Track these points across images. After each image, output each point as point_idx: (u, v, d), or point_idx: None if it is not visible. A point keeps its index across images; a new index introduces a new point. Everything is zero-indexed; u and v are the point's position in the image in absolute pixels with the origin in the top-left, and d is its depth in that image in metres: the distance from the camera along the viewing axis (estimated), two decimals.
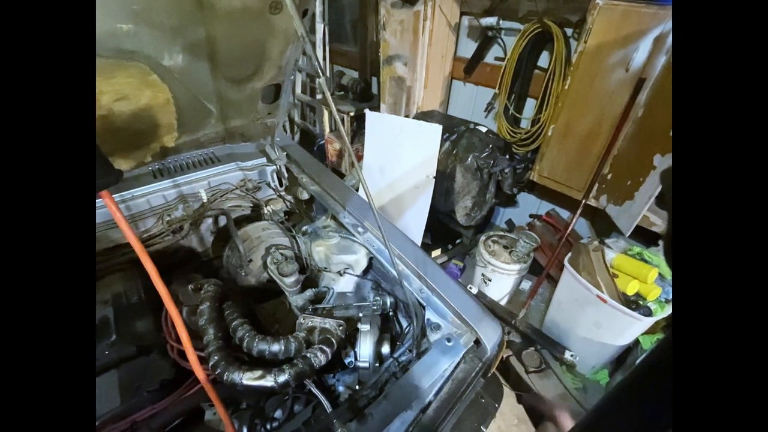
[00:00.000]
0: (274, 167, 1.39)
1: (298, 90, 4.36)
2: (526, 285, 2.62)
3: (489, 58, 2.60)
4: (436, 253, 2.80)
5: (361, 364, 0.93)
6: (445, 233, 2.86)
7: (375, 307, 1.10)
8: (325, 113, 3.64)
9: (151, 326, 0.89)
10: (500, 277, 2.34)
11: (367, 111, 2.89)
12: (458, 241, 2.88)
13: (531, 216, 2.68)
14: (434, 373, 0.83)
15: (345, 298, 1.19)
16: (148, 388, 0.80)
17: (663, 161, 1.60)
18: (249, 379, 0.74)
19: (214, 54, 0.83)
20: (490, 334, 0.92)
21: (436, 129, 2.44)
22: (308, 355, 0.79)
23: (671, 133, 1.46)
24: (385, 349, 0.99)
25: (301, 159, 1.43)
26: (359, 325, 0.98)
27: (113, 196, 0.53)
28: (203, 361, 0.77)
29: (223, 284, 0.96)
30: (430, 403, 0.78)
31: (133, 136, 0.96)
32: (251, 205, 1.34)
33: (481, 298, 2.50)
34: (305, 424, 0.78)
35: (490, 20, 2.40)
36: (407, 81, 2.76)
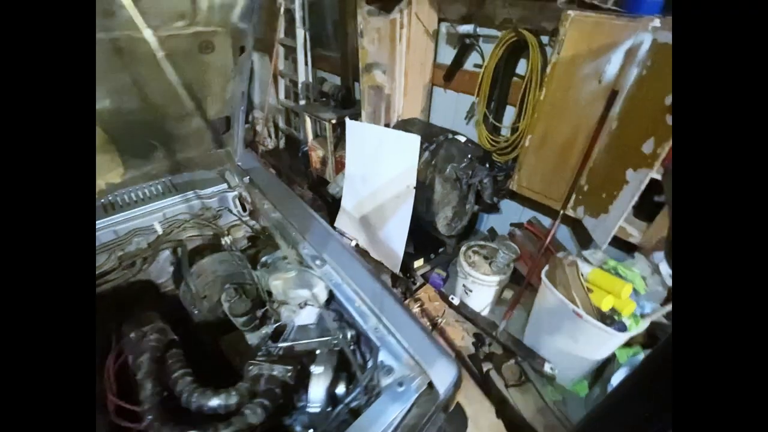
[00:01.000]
0: (235, 193, 1.35)
1: (282, 95, 4.30)
2: (509, 294, 2.61)
3: (468, 65, 2.57)
4: (419, 263, 2.77)
5: (311, 409, 0.90)
6: (428, 242, 2.84)
7: (336, 341, 1.08)
8: (308, 120, 3.59)
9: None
10: (481, 288, 2.33)
11: (347, 120, 2.85)
12: (441, 250, 2.86)
13: (512, 225, 2.67)
14: (383, 421, 0.81)
15: (307, 331, 1.16)
16: None
17: (635, 176, 1.58)
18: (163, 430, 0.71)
19: (146, 95, 0.80)
20: (444, 376, 0.90)
21: (414, 140, 2.41)
22: (246, 412, 0.77)
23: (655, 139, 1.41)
24: (341, 389, 0.96)
25: (265, 183, 1.40)
26: (312, 368, 0.95)
27: None
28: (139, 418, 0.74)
29: (169, 328, 0.93)
30: None
31: None
32: (212, 233, 1.30)
33: (462, 308, 2.49)
34: None
35: (467, 27, 2.36)
36: (386, 89, 2.72)
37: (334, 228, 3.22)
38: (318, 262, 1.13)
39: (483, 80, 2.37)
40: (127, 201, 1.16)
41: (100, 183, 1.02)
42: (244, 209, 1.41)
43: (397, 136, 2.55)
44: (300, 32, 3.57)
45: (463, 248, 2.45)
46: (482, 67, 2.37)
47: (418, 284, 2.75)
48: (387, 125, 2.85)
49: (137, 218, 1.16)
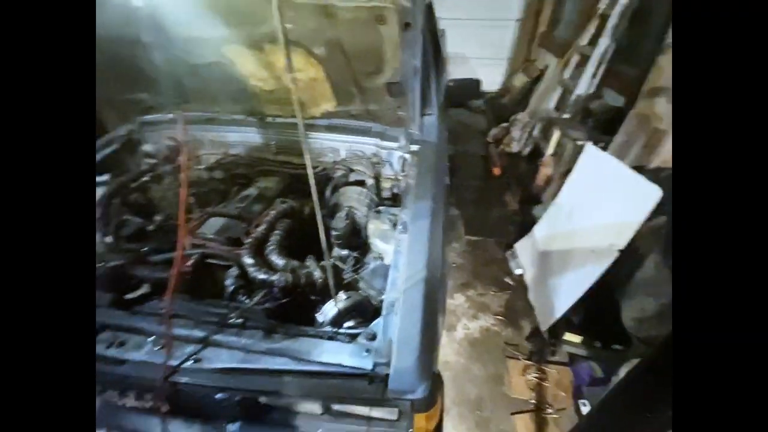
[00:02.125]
0: (401, 154, 1.60)
1: (553, 104, 4.08)
2: None
3: None
4: (573, 338, 2.18)
5: (318, 317, 1.10)
6: (603, 325, 2.14)
7: (379, 299, 1.19)
8: (556, 134, 3.30)
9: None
10: None
11: (587, 144, 2.46)
12: (616, 346, 2.09)
13: None
14: (330, 359, 0.90)
15: (374, 278, 1.32)
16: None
17: None
18: (246, 257, 1.11)
19: (344, 50, 1.12)
20: (404, 387, 0.84)
21: (652, 192, 1.81)
22: (280, 276, 1.07)
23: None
24: (348, 323, 1.09)
25: (425, 158, 1.56)
26: (341, 293, 1.13)
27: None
28: None
29: (299, 207, 1.36)
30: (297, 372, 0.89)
31: (311, 96, 1.46)
32: (371, 175, 1.64)
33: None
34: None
35: None
36: (661, 123, 2.07)
37: (510, 248, 2.99)
38: (401, 227, 1.23)
39: None
40: (333, 126, 1.66)
41: (323, 107, 1.54)
42: (403, 169, 1.65)
43: (634, 180, 1.98)
44: (604, 41, 3.17)
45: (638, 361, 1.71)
46: None
47: (555, 358, 2.21)
48: (636, 167, 2.22)
49: (334, 141, 1.66)
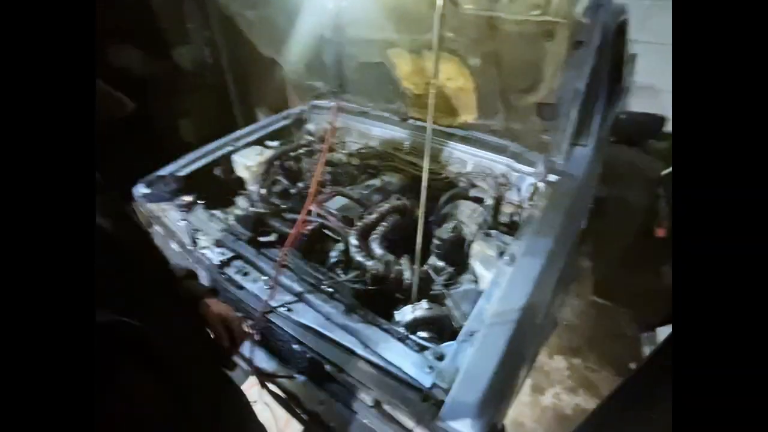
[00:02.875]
0: (533, 181, 1.45)
1: None
2: None
3: None
4: None
5: (396, 315, 1.11)
6: None
7: (460, 323, 1.13)
8: None
9: None
10: None
11: None
12: None
13: None
14: (393, 359, 0.90)
15: (461, 299, 1.26)
16: None
17: None
18: (352, 237, 1.21)
19: (499, 64, 1.05)
20: (455, 416, 0.78)
21: None
22: (374, 264, 1.13)
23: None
24: (422, 333, 1.08)
25: (562, 193, 1.37)
26: (423, 302, 1.12)
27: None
28: None
29: (411, 207, 1.41)
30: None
31: (454, 105, 1.45)
32: (492, 194, 1.55)
33: None
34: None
35: None
36: None
37: (652, 330, 2.37)
38: (507, 258, 1.12)
39: None
40: (468, 137, 1.62)
41: (463, 118, 1.51)
42: (531, 198, 1.50)
43: None
44: None
45: None
46: None
47: None
48: None
49: (465, 153, 1.63)
